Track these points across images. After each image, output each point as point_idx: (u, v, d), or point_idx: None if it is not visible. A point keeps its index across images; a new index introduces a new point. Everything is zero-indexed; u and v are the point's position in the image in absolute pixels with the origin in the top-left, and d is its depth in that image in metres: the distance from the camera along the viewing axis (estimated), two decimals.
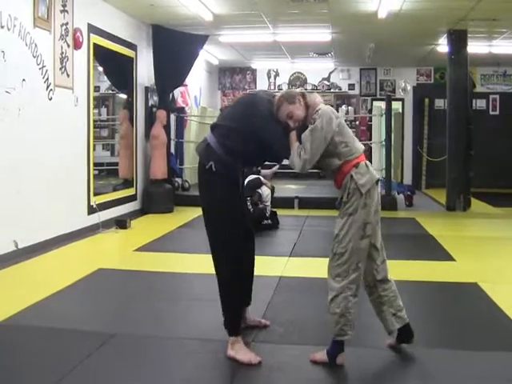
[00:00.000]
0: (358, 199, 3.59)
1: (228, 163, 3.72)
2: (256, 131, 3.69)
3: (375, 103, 15.56)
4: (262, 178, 8.86)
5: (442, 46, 12.09)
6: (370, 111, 15.41)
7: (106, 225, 8.50)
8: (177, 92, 11.99)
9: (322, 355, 3.67)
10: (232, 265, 3.78)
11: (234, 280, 3.79)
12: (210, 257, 3.92)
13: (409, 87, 16.02)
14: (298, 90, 3.91)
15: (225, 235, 3.78)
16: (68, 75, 7.68)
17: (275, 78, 16.50)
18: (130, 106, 10.32)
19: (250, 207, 8.26)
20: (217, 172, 3.70)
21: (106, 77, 10.66)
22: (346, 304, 3.57)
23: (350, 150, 3.66)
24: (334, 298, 3.60)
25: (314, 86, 16.31)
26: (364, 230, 3.61)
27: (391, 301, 3.81)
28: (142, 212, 10.25)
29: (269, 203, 8.87)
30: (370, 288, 3.84)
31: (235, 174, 3.85)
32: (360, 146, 3.77)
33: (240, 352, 3.70)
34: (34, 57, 6.86)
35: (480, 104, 15.35)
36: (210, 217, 3.83)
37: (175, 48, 10.48)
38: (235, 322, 3.82)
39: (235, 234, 3.80)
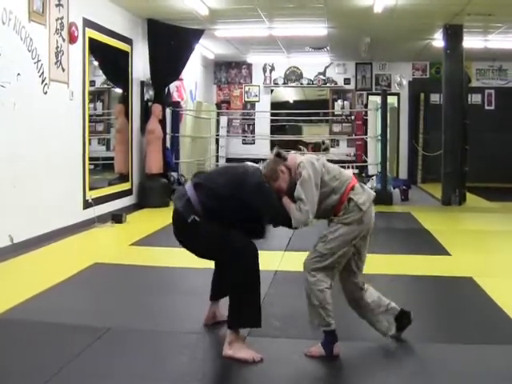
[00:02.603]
0: (356, 215, 3.69)
1: (208, 217, 3.73)
2: (247, 199, 3.71)
3: (371, 98, 15.55)
4: None
5: (438, 41, 12.08)
6: (366, 106, 15.43)
7: (101, 219, 8.49)
8: (172, 86, 11.96)
9: (317, 349, 3.70)
10: (249, 257, 3.75)
11: (257, 271, 3.76)
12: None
13: (404, 82, 16.01)
14: (273, 154, 3.92)
15: (229, 243, 3.77)
16: (63, 69, 7.66)
17: (271, 73, 16.47)
18: (125, 100, 10.30)
19: None
20: (199, 222, 3.70)
21: (101, 71, 10.63)
22: (324, 296, 3.66)
23: (341, 181, 3.75)
24: (310, 291, 3.70)
25: (310, 80, 16.29)
26: (351, 241, 3.71)
27: (377, 302, 3.90)
28: (137, 206, 10.24)
29: None
30: (355, 301, 3.93)
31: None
32: (348, 173, 3.89)
33: (240, 351, 3.66)
34: (29, 51, 6.84)
35: (475, 99, 15.37)
36: (207, 248, 3.85)
37: (171, 42, 10.48)
38: (241, 316, 3.75)
39: (237, 237, 3.81)
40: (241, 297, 3.72)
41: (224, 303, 4.19)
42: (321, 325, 3.69)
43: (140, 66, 10.53)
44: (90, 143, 8.72)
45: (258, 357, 3.62)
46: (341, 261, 3.74)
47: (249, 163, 4.14)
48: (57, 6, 7.41)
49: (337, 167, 3.87)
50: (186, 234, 3.87)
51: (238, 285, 3.73)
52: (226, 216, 3.76)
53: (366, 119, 13.99)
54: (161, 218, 8.95)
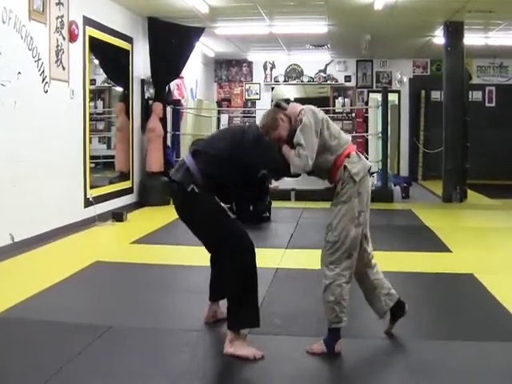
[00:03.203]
0: (351, 188, 3.64)
1: (207, 189, 3.71)
2: (246, 157, 3.68)
3: (372, 95, 15.54)
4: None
5: (439, 38, 12.07)
6: (367, 103, 15.41)
7: (102, 218, 8.50)
8: (173, 84, 11.95)
9: (319, 346, 3.69)
10: (248, 251, 3.74)
11: (255, 267, 3.75)
12: (205, 249, 3.94)
13: (405, 79, 16.00)
14: (272, 104, 3.93)
15: (228, 230, 3.77)
16: (64, 68, 7.66)
17: (271, 70, 16.46)
18: (126, 98, 10.29)
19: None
20: (199, 193, 3.68)
21: (101, 69, 10.63)
22: (341, 291, 3.62)
23: (339, 142, 3.70)
24: (328, 286, 3.65)
25: (311, 77, 16.28)
26: (358, 218, 3.65)
27: (382, 282, 3.89)
28: (138, 205, 10.25)
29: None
30: (362, 276, 3.88)
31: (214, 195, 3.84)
32: (347, 137, 3.82)
33: (241, 349, 3.65)
34: (30, 50, 6.84)
35: (476, 96, 15.34)
36: (205, 227, 3.81)
37: (171, 40, 10.47)
38: (242, 316, 3.74)
39: (236, 227, 3.82)
40: (239, 297, 3.70)
41: (224, 302, 4.20)
42: (331, 321, 3.65)
43: (140, 65, 10.53)
44: (90, 142, 8.73)
45: (258, 354, 3.61)
46: (354, 246, 3.67)
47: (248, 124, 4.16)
48: (57, 4, 7.41)
49: (338, 128, 3.81)
50: (186, 206, 3.82)
51: (236, 284, 3.71)
52: (226, 182, 3.75)
53: (367, 116, 13.99)
54: (161, 216, 8.96)
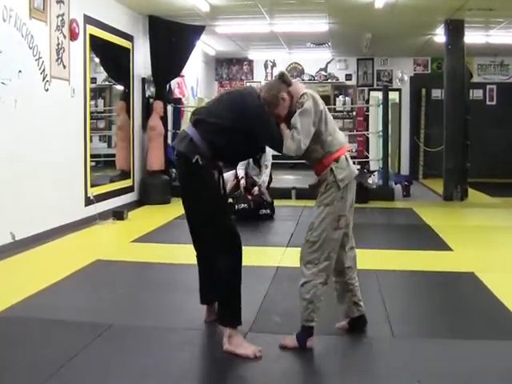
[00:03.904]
0: (335, 192, 3.65)
1: (211, 159, 3.71)
2: (248, 128, 3.68)
3: (372, 93, 15.55)
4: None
5: (439, 36, 12.07)
6: (367, 101, 15.41)
7: (103, 216, 8.49)
8: (174, 83, 11.96)
9: (291, 340, 3.73)
10: (235, 246, 3.74)
11: (240, 263, 3.75)
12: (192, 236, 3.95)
13: (406, 77, 16.00)
14: (277, 75, 3.87)
15: (220, 220, 3.78)
16: (64, 66, 7.66)
17: (272, 69, 16.46)
18: (126, 97, 10.30)
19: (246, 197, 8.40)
20: (203, 165, 3.66)
21: (102, 68, 10.62)
22: (315, 291, 3.66)
23: (332, 141, 3.70)
24: (304, 284, 3.69)
25: (312, 76, 16.29)
26: (338, 221, 3.68)
27: (355, 290, 3.92)
28: (139, 203, 10.24)
29: (266, 193, 8.91)
30: (337, 273, 3.91)
31: (218, 169, 3.84)
32: (342, 138, 3.82)
33: (240, 347, 3.65)
34: (30, 48, 6.84)
35: (477, 94, 15.32)
36: (202, 204, 3.78)
37: (172, 39, 10.47)
38: (239, 310, 3.75)
39: (229, 219, 3.86)
40: (224, 288, 3.74)
41: None
42: (303, 319, 3.70)
43: (141, 63, 10.53)
44: (91, 140, 8.74)
45: (258, 352, 3.61)
46: (333, 248, 3.70)
47: (246, 87, 4.14)
48: (57, 2, 7.41)
49: (334, 125, 3.79)
50: (188, 177, 3.80)
51: (224, 281, 3.73)
52: (231, 148, 3.76)
53: (368, 115, 13.97)
54: (162, 214, 8.97)
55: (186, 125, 12.59)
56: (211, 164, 3.72)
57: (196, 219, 3.93)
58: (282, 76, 3.78)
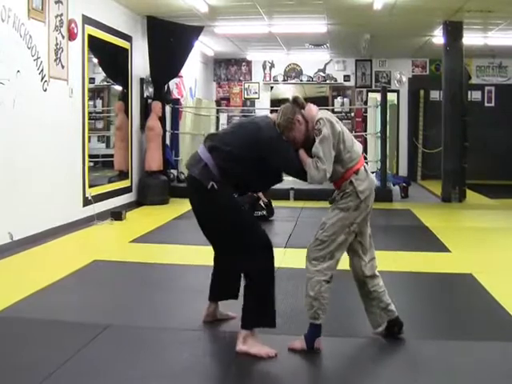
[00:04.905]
0: (353, 201, 3.67)
1: (225, 183, 3.70)
2: (264, 157, 3.68)
3: (371, 95, 15.53)
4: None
5: (438, 38, 12.08)
6: (366, 103, 15.41)
7: (101, 216, 8.49)
8: (172, 83, 11.97)
9: (300, 342, 3.72)
10: (269, 249, 3.75)
11: (273, 265, 3.75)
12: (205, 248, 3.94)
13: (404, 79, 16.01)
14: (290, 100, 3.85)
15: (252, 233, 3.79)
16: (63, 66, 7.65)
17: (270, 70, 16.47)
18: (125, 97, 10.30)
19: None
20: (218, 188, 3.66)
21: (100, 68, 10.62)
22: (319, 288, 3.66)
23: (351, 156, 3.70)
24: (309, 280, 3.70)
25: (310, 77, 16.29)
26: (349, 227, 3.69)
27: (380, 296, 3.89)
28: (137, 204, 10.25)
29: (262, 196, 8.89)
30: (360, 284, 3.92)
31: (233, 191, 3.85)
32: (359, 149, 3.82)
33: (254, 346, 3.65)
34: (29, 48, 6.83)
35: (475, 96, 15.35)
36: (229, 226, 3.76)
37: (170, 39, 10.48)
38: (255, 315, 3.74)
39: (257, 224, 3.87)
40: (259, 296, 3.71)
41: (223, 303, 4.21)
42: (309, 316, 3.70)
43: (139, 63, 10.52)
44: (89, 140, 8.73)
45: (272, 352, 3.62)
46: (341, 249, 3.72)
47: (259, 116, 4.13)
48: (56, 2, 7.41)
49: (351, 137, 3.80)
50: (204, 202, 3.80)
51: (256, 282, 3.71)
52: (245, 177, 3.76)
53: (366, 116, 13.99)
54: (160, 215, 8.97)
55: (184, 125, 12.63)
56: (227, 185, 3.72)
57: (221, 237, 3.91)
58: (295, 100, 3.79)
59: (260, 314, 3.73)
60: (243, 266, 3.78)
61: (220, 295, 4.20)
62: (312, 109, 3.79)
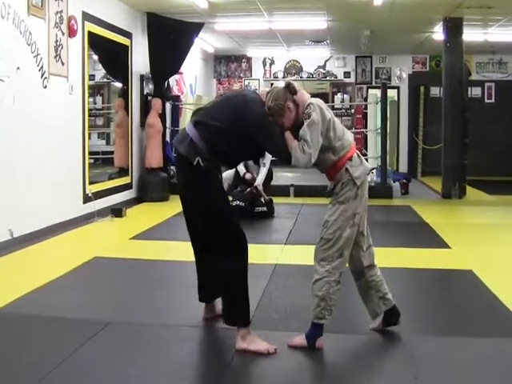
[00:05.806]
0: (350, 190, 3.65)
1: (212, 160, 3.68)
2: (250, 134, 3.66)
3: (371, 91, 15.52)
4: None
5: (438, 34, 12.07)
6: (366, 99, 15.40)
7: (101, 213, 8.49)
8: (172, 80, 11.95)
9: (300, 340, 3.72)
10: (241, 245, 3.74)
11: (247, 262, 3.74)
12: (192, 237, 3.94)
13: (404, 75, 16.00)
14: (282, 83, 3.84)
15: (226, 220, 3.77)
16: (63, 63, 7.65)
17: (271, 66, 16.46)
18: (125, 94, 10.29)
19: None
20: (204, 167, 3.63)
21: (100, 65, 10.62)
22: (328, 289, 3.64)
23: (342, 144, 3.69)
24: (316, 281, 3.68)
25: (310, 73, 16.28)
26: (353, 219, 3.67)
27: (378, 285, 3.88)
28: (137, 200, 10.25)
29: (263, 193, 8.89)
30: (357, 274, 3.90)
31: (219, 170, 3.85)
32: (350, 137, 3.80)
33: (253, 343, 3.65)
34: (29, 45, 6.83)
35: (475, 92, 15.34)
36: (207, 206, 3.74)
37: (170, 36, 10.46)
38: (248, 309, 3.74)
39: (234, 218, 3.85)
40: (232, 290, 3.73)
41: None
42: (314, 316, 3.68)
43: (140, 60, 10.51)
44: (89, 137, 8.73)
45: (272, 348, 3.62)
46: (348, 245, 3.69)
47: (250, 92, 4.11)
48: None
49: (341, 126, 3.78)
50: (190, 180, 3.78)
51: (229, 274, 3.71)
52: (231, 151, 3.75)
53: (366, 113, 13.96)
54: (161, 211, 8.97)
55: (184, 122, 12.61)
56: (213, 165, 3.71)
57: (199, 220, 3.88)
58: (288, 85, 3.75)
59: (239, 313, 3.73)
60: (218, 263, 3.76)
61: (211, 295, 4.17)
62: (304, 93, 3.78)
